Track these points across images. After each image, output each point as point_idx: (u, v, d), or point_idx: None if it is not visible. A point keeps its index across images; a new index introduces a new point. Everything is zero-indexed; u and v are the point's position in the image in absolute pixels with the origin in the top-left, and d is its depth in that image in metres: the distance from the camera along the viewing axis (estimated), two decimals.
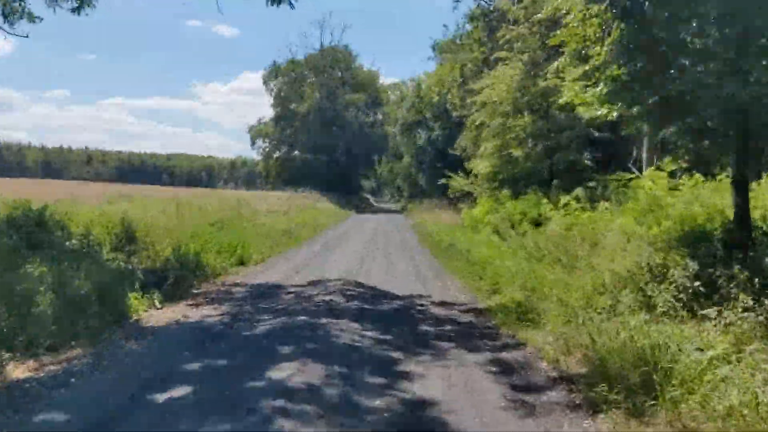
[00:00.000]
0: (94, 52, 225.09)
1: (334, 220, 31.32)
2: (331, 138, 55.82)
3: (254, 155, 62.01)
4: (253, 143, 57.77)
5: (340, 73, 58.91)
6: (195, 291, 9.87)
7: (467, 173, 28.31)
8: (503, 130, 15.88)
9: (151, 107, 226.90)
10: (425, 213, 36.15)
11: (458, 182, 27.99)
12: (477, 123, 17.93)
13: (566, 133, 14.81)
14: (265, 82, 58.28)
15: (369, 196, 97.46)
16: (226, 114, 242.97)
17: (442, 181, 30.72)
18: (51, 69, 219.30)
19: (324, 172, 54.68)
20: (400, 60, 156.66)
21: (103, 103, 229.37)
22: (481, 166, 18.44)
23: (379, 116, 63.94)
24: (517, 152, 15.95)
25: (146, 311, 8.10)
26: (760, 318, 4.97)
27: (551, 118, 15.11)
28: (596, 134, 14.49)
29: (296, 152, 59.62)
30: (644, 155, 13.79)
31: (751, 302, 5.18)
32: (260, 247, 14.78)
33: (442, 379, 5.52)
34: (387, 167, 77.34)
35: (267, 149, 58.85)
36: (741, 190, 7.03)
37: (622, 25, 6.55)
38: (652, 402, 4.36)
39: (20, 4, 10.48)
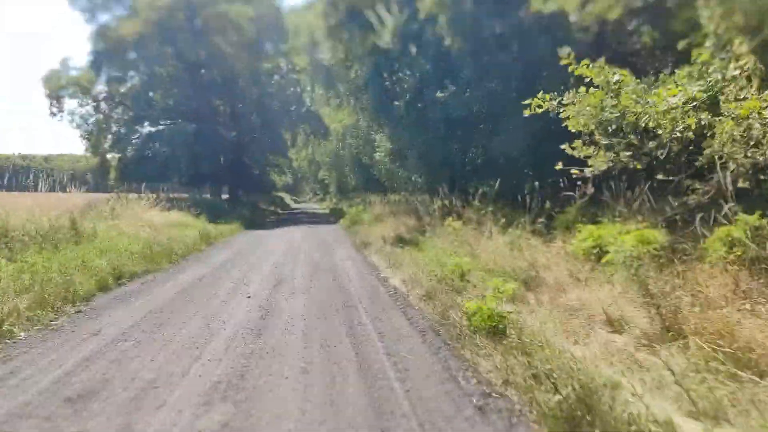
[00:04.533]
0: None
1: None
2: (201, 91, 31.04)
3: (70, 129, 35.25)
4: (55, 107, 31.06)
5: None
6: None
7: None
8: None
9: None
10: (398, 229, 12.99)
11: None
12: None
13: None
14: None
15: (284, 195, 73.05)
16: None
17: None
18: None
19: (193, 153, 29.85)
20: None
21: None
22: None
23: (284, 67, 38.65)
24: None
25: None
26: None
27: None
28: None
29: (152, 125, 34.01)
30: None
31: None
32: None
33: None
34: (304, 156, 52.90)
35: (92, 121, 32.75)
36: None
37: None
38: None
39: None
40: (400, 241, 13.98)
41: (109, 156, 34.29)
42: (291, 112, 38.22)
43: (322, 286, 8.83)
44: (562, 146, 7.24)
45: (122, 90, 32.24)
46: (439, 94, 13.23)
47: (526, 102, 7.25)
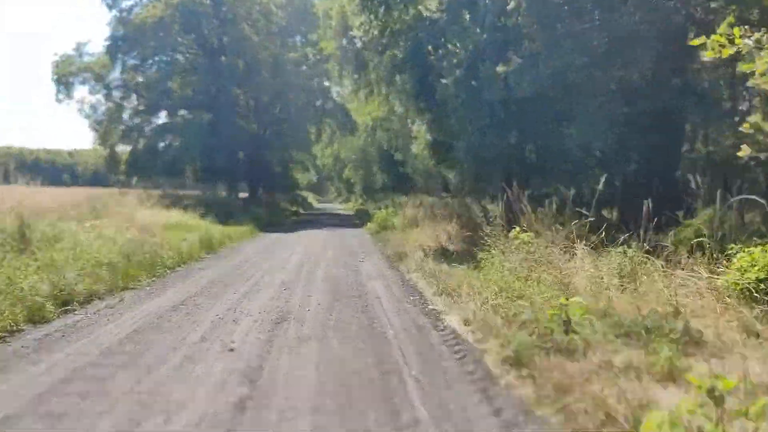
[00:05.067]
0: None
1: None
2: (221, 79, 28.49)
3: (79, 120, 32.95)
4: (63, 92, 28.78)
5: None
6: None
7: None
8: None
9: None
10: (439, 237, 10.20)
11: None
12: None
13: None
14: None
15: (308, 194, 70.43)
16: None
17: None
18: None
19: (207, 145, 27.30)
20: None
21: None
22: None
23: (311, 57, 35.88)
24: None
25: None
26: None
27: None
28: None
29: (168, 116, 31.50)
30: None
31: None
32: None
33: None
34: (329, 153, 49.93)
35: (102, 110, 30.41)
36: None
37: None
38: None
39: None
40: (445, 254, 11.07)
41: (119, 149, 32.05)
42: (316, 106, 35.65)
43: (346, 327, 5.97)
44: (751, 119, 4.29)
45: (139, 78, 29.85)
46: (500, 68, 10.32)
47: (698, 42, 4.32)
